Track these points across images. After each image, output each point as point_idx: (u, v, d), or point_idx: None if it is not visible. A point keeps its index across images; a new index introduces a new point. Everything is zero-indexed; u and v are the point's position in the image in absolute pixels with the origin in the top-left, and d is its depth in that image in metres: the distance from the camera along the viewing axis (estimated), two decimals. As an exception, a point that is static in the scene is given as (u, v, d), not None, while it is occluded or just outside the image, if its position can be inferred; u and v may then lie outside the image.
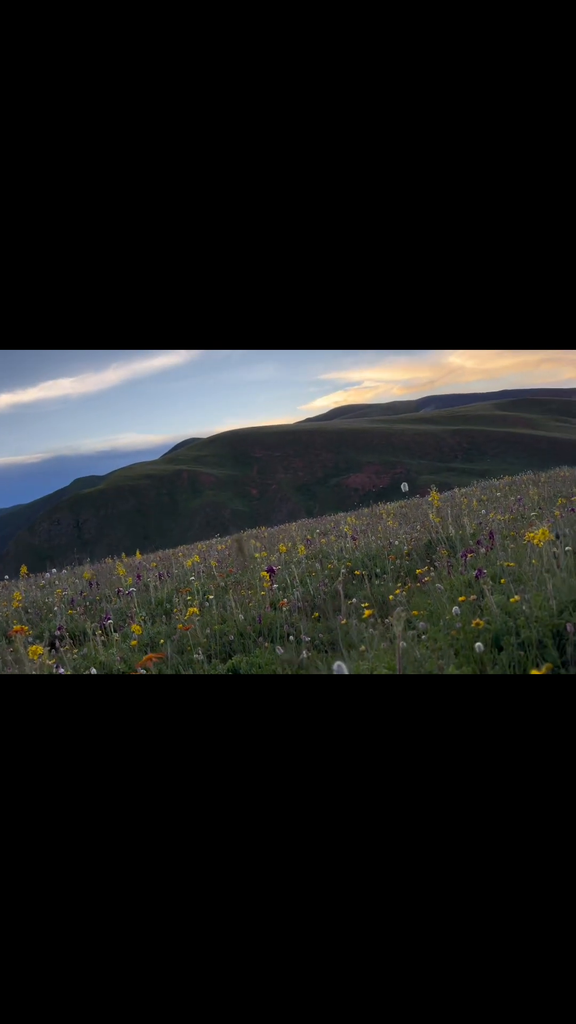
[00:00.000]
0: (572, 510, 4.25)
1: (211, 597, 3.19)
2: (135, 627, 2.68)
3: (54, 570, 8.27)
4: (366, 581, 3.46)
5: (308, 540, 6.09)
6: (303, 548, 5.03)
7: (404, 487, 4.84)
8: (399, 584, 3.24)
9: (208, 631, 2.52)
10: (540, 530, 2.34)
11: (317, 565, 4.34)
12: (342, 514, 11.49)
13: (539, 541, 2.28)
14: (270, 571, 2.96)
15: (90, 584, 5.22)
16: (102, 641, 2.85)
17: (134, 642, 2.50)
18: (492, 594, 1.93)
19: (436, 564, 3.27)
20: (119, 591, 4.02)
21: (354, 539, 5.09)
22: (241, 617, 2.65)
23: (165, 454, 69.10)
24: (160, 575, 4.58)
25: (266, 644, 2.36)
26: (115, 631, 3.05)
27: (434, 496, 4.54)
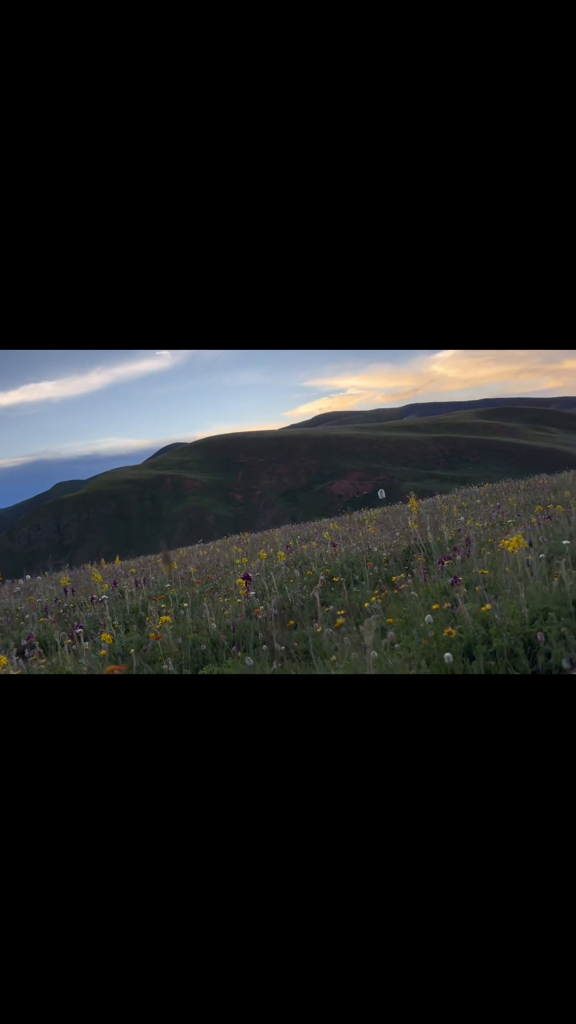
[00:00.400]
0: (549, 517, 4.29)
1: (185, 605, 3.13)
2: (105, 636, 2.61)
3: (28, 576, 8.09)
4: (344, 588, 3.44)
5: (288, 546, 6.06)
6: (282, 555, 5.00)
7: (381, 494, 4.85)
8: (376, 591, 3.22)
9: (180, 640, 2.46)
10: (515, 538, 2.34)
11: (296, 572, 4.31)
12: (326, 520, 11.50)
13: (513, 549, 2.28)
14: (246, 578, 2.92)
15: (65, 591, 5.11)
16: (73, 650, 2.77)
17: (103, 652, 2.42)
18: (465, 602, 1.92)
19: (414, 571, 3.26)
20: (92, 598, 3.93)
21: (334, 545, 5.07)
22: (214, 626, 2.60)
23: (148, 459, 68.62)
24: (136, 582, 4.49)
25: (239, 654, 2.32)
26: (86, 640, 2.97)
27: (413, 503, 4.55)
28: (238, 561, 5.81)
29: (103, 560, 9.69)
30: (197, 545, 11.46)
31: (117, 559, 8.82)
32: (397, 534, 5.25)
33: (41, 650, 3.25)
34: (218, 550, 8.94)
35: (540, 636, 1.52)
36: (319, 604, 2.92)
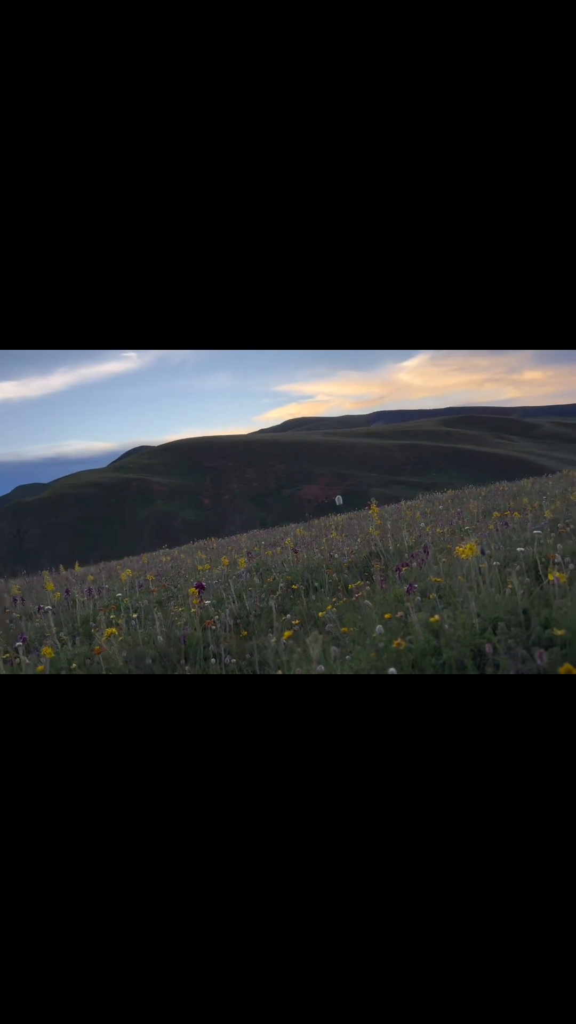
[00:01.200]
0: (506, 523, 4.36)
1: (135, 616, 3.00)
2: (47, 650, 2.46)
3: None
4: (303, 596, 3.38)
5: (250, 553, 5.97)
6: (243, 561, 4.91)
7: (338, 500, 4.85)
8: (334, 599, 3.17)
9: (125, 654, 2.34)
10: (468, 545, 2.33)
11: (256, 579, 4.23)
12: (293, 525, 11.47)
13: (467, 556, 2.27)
14: (199, 587, 2.82)
15: (14, 600, 4.87)
16: (15, 664, 2.60)
17: (40, 667, 2.28)
18: (417, 612, 1.88)
19: (374, 577, 3.23)
20: (39, 608, 3.74)
21: (296, 552, 5.02)
22: (161, 638, 2.49)
23: (113, 462, 67.30)
24: (89, 590, 4.32)
25: (186, 668, 2.22)
26: (28, 653, 2.80)
27: (374, 509, 4.55)
28: (201, 567, 5.69)
29: (62, 566, 9.37)
30: (160, 551, 11.22)
31: (77, 565, 8.53)
32: (358, 540, 5.24)
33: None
34: (182, 556, 8.77)
35: (488, 647, 1.50)
36: (275, 614, 2.85)
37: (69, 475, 53.73)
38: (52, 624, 3.22)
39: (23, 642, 2.82)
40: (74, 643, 3.09)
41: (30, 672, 2.45)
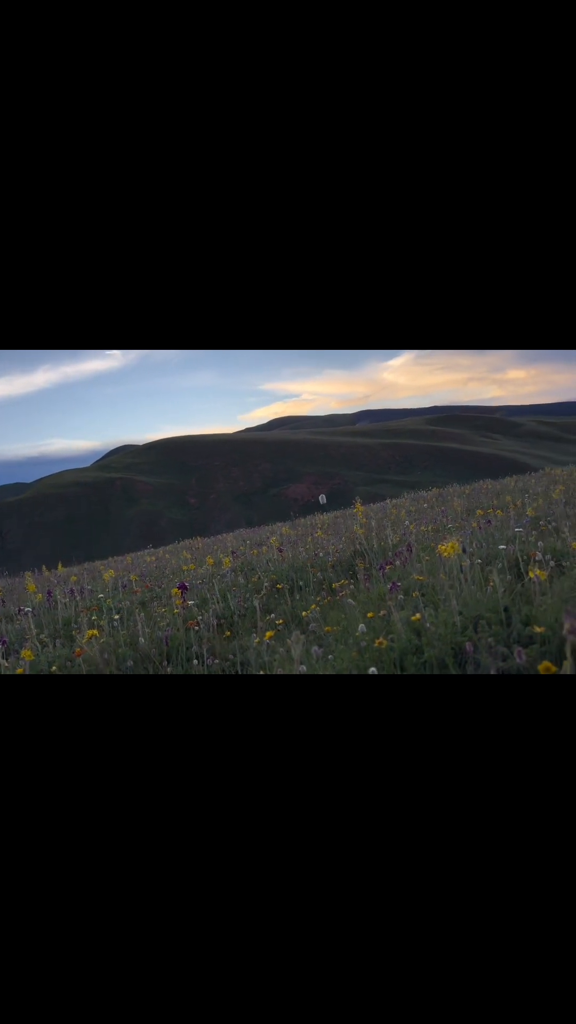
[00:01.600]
0: (489, 521, 4.40)
1: (117, 617, 2.96)
2: (26, 653, 2.42)
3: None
4: (287, 595, 3.37)
5: (235, 552, 5.95)
6: (228, 560, 4.88)
7: (322, 499, 4.85)
8: (318, 598, 3.17)
9: (106, 656, 2.31)
10: (450, 543, 2.34)
11: (241, 579, 4.21)
12: (279, 524, 11.45)
13: (449, 554, 2.28)
14: (182, 588, 2.79)
15: (-5, 602, 4.78)
16: (-6, 668, 2.55)
17: (19, 670, 2.24)
18: (399, 610, 1.88)
19: (358, 576, 3.23)
20: (20, 610, 3.68)
21: (281, 551, 5.00)
22: (142, 640, 2.46)
23: (97, 461, 66.53)
24: (71, 591, 4.25)
25: (168, 669, 2.19)
26: (8, 657, 2.75)
27: (358, 508, 4.56)
28: (185, 567, 5.64)
29: (45, 567, 9.22)
30: (145, 550, 11.12)
31: (60, 566, 8.41)
32: (343, 539, 5.24)
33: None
34: (167, 555, 8.70)
35: (469, 646, 1.50)
36: (259, 613, 2.84)
37: (52, 474, 53.04)
38: (33, 626, 3.16)
39: (3, 644, 2.76)
40: (55, 645, 3.04)
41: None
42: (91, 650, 2.36)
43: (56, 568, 8.35)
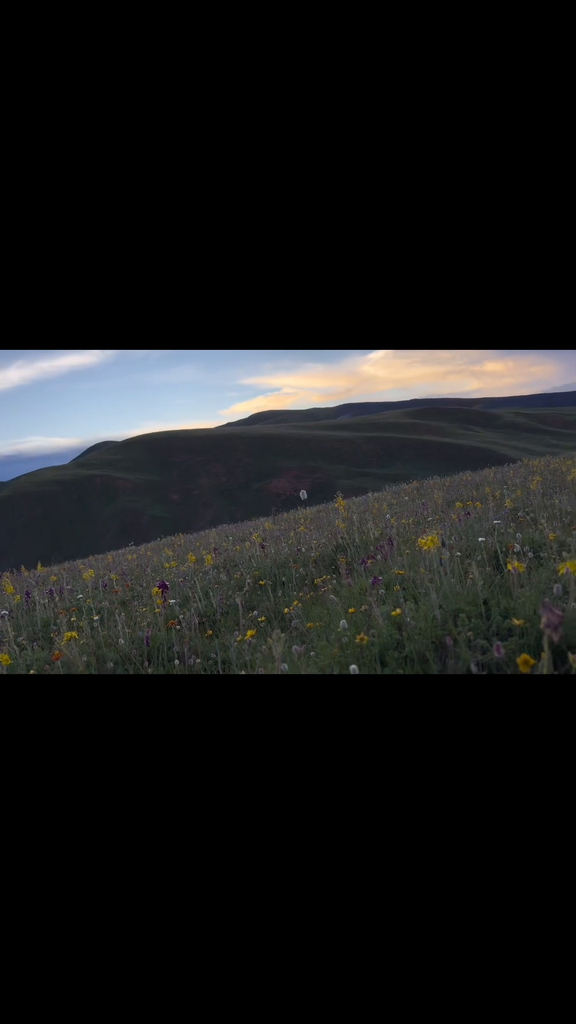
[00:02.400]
0: (468, 513, 4.44)
1: (96, 617, 2.92)
2: (2, 657, 2.36)
3: None
4: (269, 592, 3.35)
5: (216, 549, 5.91)
6: (210, 557, 4.85)
7: (303, 495, 4.84)
8: (300, 594, 3.16)
9: (85, 659, 2.27)
10: (430, 537, 2.35)
11: (224, 576, 4.18)
12: (262, 519, 11.42)
13: (428, 547, 2.29)
14: (162, 587, 2.75)
15: (-29, 605, 4.66)
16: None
17: (-5, 676, 2.18)
18: (380, 605, 1.89)
19: (341, 571, 3.23)
20: (-3, 613, 3.59)
21: (263, 547, 4.98)
22: (122, 642, 2.43)
23: (76, 458, 65.51)
24: (51, 591, 4.18)
25: (149, 669, 2.16)
26: (-16, 661, 2.68)
27: (340, 502, 4.56)
28: (167, 565, 5.59)
29: (23, 567, 9.05)
30: (127, 548, 10.99)
31: (39, 565, 8.26)
32: (325, 534, 5.25)
33: None
34: (149, 553, 8.60)
35: (448, 640, 1.51)
36: (242, 611, 2.82)
37: (29, 472, 52.09)
38: (10, 629, 3.10)
39: (-23, 649, 2.69)
40: (33, 648, 2.98)
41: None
42: (70, 652, 2.32)
43: (35, 568, 8.21)
